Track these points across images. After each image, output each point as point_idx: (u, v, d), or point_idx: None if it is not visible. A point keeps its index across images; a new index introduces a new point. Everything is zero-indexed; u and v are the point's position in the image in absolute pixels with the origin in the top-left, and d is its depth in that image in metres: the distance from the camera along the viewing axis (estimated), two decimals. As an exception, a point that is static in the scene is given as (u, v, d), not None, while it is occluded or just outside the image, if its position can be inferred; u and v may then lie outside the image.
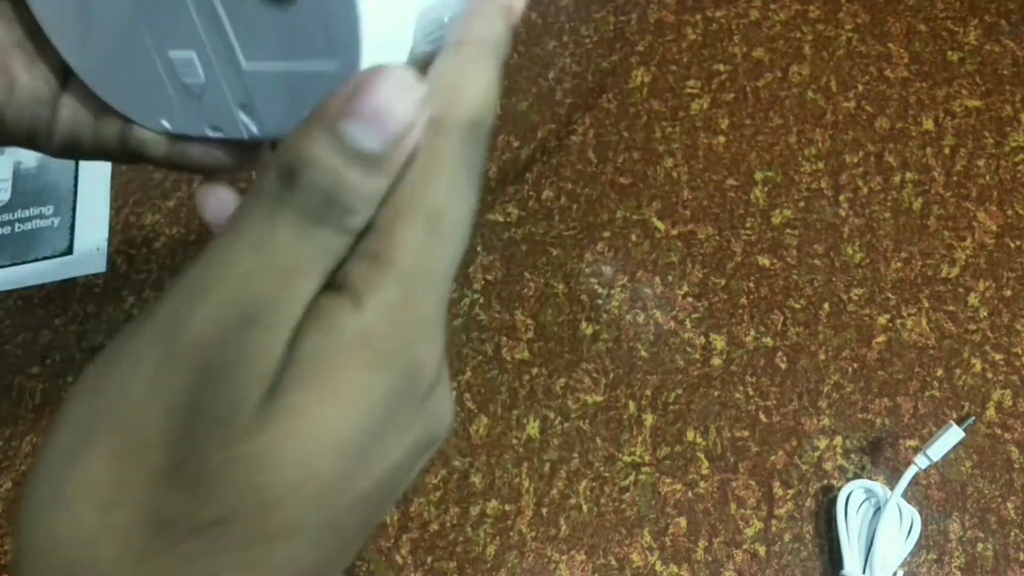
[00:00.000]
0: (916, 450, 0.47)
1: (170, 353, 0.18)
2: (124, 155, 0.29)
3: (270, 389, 0.18)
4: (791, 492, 0.48)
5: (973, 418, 0.45)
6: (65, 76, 0.28)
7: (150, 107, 0.28)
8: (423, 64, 0.23)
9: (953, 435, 0.45)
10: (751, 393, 0.51)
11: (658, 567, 0.46)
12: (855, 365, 0.52)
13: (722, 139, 0.60)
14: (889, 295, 0.54)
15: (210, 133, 0.27)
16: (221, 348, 0.18)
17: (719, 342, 0.53)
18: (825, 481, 0.48)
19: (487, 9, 0.23)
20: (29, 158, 0.66)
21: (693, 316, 0.54)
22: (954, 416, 0.49)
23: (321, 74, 0.23)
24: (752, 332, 0.53)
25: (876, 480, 0.47)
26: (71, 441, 0.19)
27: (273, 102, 0.25)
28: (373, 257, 0.20)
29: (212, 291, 0.18)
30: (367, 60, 0.22)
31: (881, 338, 0.53)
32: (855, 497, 0.47)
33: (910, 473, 0.45)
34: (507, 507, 0.48)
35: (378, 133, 0.19)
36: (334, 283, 0.20)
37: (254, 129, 0.26)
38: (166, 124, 0.28)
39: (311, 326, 0.19)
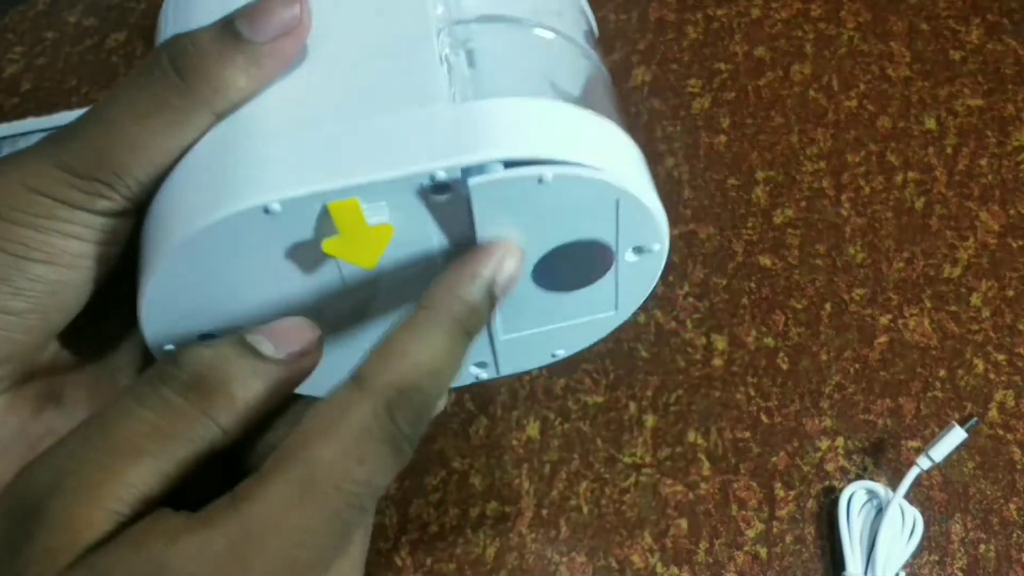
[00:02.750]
0: (918, 451, 0.46)
1: None
2: None
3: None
4: (792, 493, 0.48)
5: (976, 419, 0.45)
6: None
7: (334, 377, 0.26)
8: None
9: (955, 436, 0.45)
10: (752, 394, 0.51)
11: (659, 569, 0.46)
12: (857, 366, 0.51)
13: (723, 138, 0.60)
14: (891, 295, 0.54)
15: None
16: (33, 507, 0.19)
17: (720, 342, 0.52)
18: (827, 482, 0.48)
19: (464, 277, 0.22)
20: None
21: (694, 316, 0.53)
22: (956, 417, 0.49)
23: (598, 321, 0.25)
24: (753, 332, 0.53)
25: (878, 481, 0.47)
26: None
27: (514, 354, 0.23)
28: (232, 495, 0.19)
29: (49, 453, 0.20)
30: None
31: (883, 338, 0.52)
32: (857, 498, 0.46)
33: (912, 474, 0.45)
34: (507, 508, 0.48)
35: (274, 343, 0.21)
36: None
37: (484, 377, 0.25)
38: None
39: (140, 532, 0.19)
